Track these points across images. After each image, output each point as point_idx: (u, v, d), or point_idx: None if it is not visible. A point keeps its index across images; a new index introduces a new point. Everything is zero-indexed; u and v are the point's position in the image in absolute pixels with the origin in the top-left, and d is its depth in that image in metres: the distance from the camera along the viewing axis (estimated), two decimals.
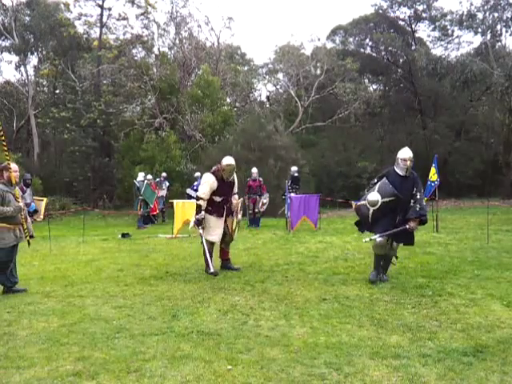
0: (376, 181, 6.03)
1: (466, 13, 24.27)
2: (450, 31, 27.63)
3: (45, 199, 13.17)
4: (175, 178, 19.33)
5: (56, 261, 8.07)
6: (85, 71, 23.23)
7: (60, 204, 19.70)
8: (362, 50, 28.91)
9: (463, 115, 26.91)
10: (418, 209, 5.73)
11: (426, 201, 6.37)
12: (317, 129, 27.84)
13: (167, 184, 17.00)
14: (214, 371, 3.36)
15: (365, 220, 6.04)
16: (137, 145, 21.39)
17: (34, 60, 27.72)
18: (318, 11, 53.27)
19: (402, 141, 23.05)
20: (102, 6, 23.89)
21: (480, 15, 23.96)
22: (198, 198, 6.72)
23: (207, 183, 6.64)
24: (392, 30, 27.07)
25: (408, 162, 5.77)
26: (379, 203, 5.74)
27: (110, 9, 24.35)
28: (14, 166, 5.79)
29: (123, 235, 11.52)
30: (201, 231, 6.66)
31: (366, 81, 30.24)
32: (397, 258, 6.19)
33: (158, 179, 16.52)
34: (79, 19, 25.11)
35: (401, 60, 27.82)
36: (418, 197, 5.77)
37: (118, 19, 24.75)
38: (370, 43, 28.82)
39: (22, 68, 27.43)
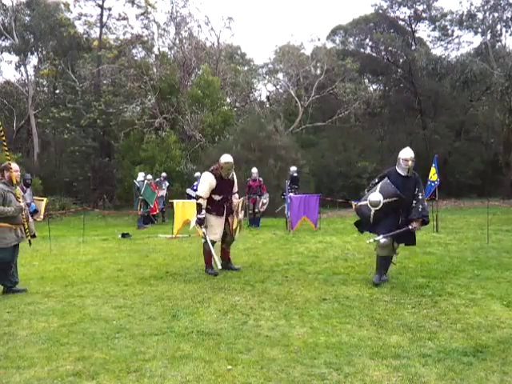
0: (377, 181, 5.98)
1: (465, 13, 24.29)
2: (450, 31, 27.67)
3: (45, 199, 13.16)
4: (175, 178, 19.33)
5: (56, 261, 8.08)
6: (85, 71, 23.23)
7: (60, 204, 19.70)
8: (362, 49, 28.93)
9: (463, 115, 26.92)
10: (420, 209, 5.70)
11: (426, 201, 6.35)
12: (317, 129, 27.84)
13: (167, 184, 17.01)
14: (214, 371, 3.36)
15: (366, 220, 5.97)
16: (137, 145, 21.39)
17: (34, 60, 27.79)
18: (318, 11, 53.34)
19: (402, 141, 23.11)
20: (102, 6, 23.89)
21: (480, 15, 24.00)
22: (197, 198, 6.73)
23: (206, 182, 6.65)
24: (392, 30, 27.10)
25: (409, 162, 5.73)
26: (381, 204, 5.69)
27: (110, 9, 24.39)
28: (14, 166, 5.79)
29: (123, 235, 11.52)
30: (204, 230, 6.64)
31: (366, 81, 30.25)
32: (397, 254, 6.16)
33: (157, 179, 16.52)
34: (79, 19, 25.17)
35: (401, 60, 27.83)
36: (420, 197, 5.74)
37: (118, 19, 24.78)
38: (370, 43, 28.84)
39: (22, 68, 27.45)
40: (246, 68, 30.05)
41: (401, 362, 3.47)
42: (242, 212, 7.39)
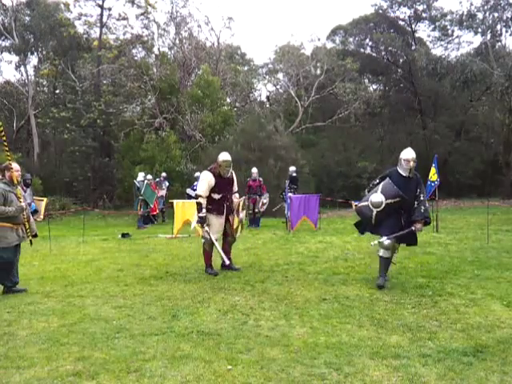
0: (378, 181, 5.93)
1: (465, 13, 24.30)
2: (450, 31, 27.68)
3: (45, 199, 13.15)
4: (175, 177, 19.33)
5: (56, 261, 8.08)
6: (85, 71, 23.23)
7: (60, 204, 19.70)
8: (362, 50, 28.94)
9: (463, 115, 26.93)
10: (422, 210, 5.69)
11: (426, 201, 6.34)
12: (317, 129, 27.84)
13: (167, 184, 17.01)
14: (214, 371, 3.36)
15: (367, 221, 5.92)
16: (137, 145, 21.39)
17: (34, 60, 27.77)
18: (318, 11, 53.36)
19: (402, 141, 23.15)
20: (102, 6, 23.89)
21: (480, 15, 24.01)
22: (197, 197, 6.74)
23: (205, 180, 6.67)
24: (392, 30, 27.10)
25: (411, 163, 5.70)
26: (383, 204, 5.65)
27: (110, 9, 24.38)
28: (15, 166, 5.79)
29: (123, 235, 11.52)
30: (207, 228, 6.63)
31: (366, 81, 30.26)
32: (396, 253, 6.15)
33: (157, 179, 16.52)
34: (79, 19, 25.16)
35: (401, 60, 27.84)
36: (422, 198, 5.72)
37: (118, 19, 24.77)
38: (370, 43, 28.85)
39: (22, 68, 27.45)
40: (246, 68, 30.05)
41: (401, 362, 3.47)
42: (244, 212, 7.38)
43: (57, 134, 26.75)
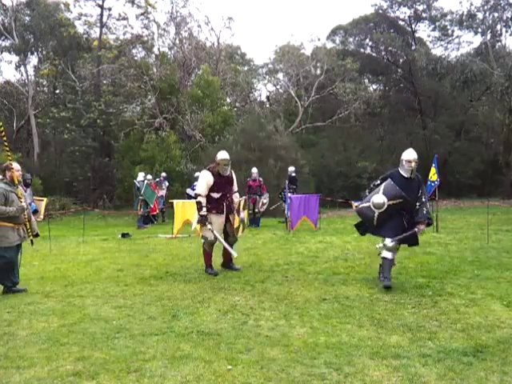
0: (379, 182, 5.88)
1: (465, 13, 24.30)
2: (450, 31, 27.69)
3: (45, 199, 13.15)
4: (175, 178, 19.33)
5: (56, 261, 8.08)
6: (85, 71, 23.23)
7: (60, 204, 19.69)
8: (362, 50, 28.94)
9: (463, 115, 26.93)
10: (425, 212, 5.68)
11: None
12: (317, 129, 27.84)
13: (167, 184, 17.01)
14: (214, 371, 3.36)
15: (369, 223, 5.87)
16: (137, 145, 21.39)
17: (34, 60, 27.76)
18: (318, 11, 53.34)
19: (402, 141, 23.18)
20: (102, 6, 23.89)
21: (480, 15, 24.01)
22: (196, 196, 6.74)
23: (203, 179, 6.69)
24: (392, 30, 27.10)
25: (413, 164, 5.68)
26: (385, 206, 5.61)
27: (110, 9, 24.37)
28: (16, 166, 5.79)
29: (123, 235, 11.52)
30: (209, 226, 6.61)
31: (366, 81, 30.25)
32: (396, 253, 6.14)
33: (157, 179, 16.52)
34: (79, 19, 25.16)
35: (401, 60, 27.84)
36: (423, 199, 5.72)
37: (118, 19, 24.77)
38: (370, 43, 28.85)
39: (22, 68, 27.43)
40: (246, 68, 30.06)
41: (401, 362, 3.48)
42: (245, 211, 7.37)
43: (57, 133, 26.76)
